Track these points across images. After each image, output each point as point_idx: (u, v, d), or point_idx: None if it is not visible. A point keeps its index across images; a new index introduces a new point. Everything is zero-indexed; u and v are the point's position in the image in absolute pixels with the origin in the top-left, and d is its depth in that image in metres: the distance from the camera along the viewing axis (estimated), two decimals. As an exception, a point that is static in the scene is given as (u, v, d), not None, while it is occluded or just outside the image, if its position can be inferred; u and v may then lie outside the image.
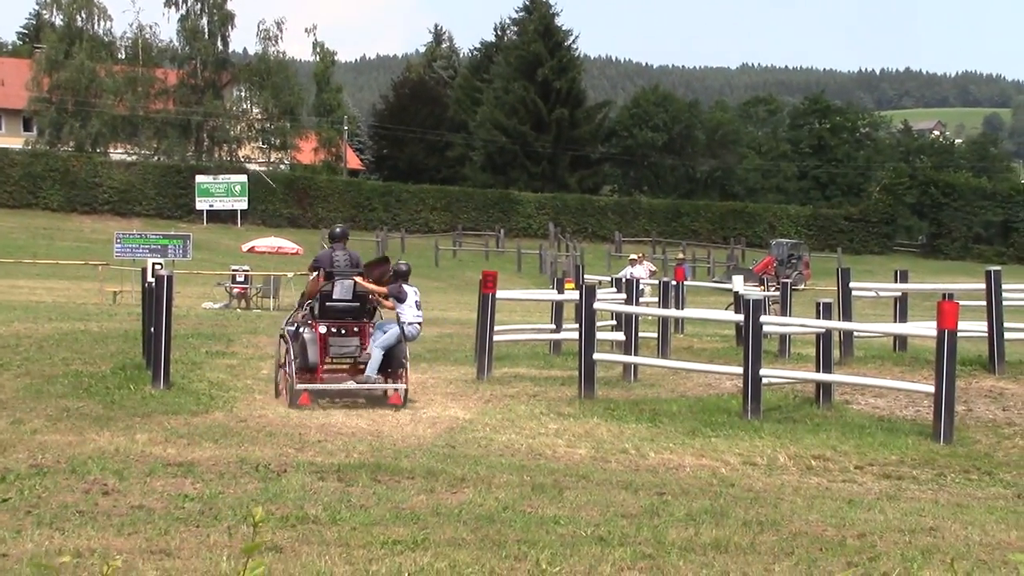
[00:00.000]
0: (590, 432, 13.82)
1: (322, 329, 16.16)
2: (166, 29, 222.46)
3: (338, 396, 16.34)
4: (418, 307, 16.78)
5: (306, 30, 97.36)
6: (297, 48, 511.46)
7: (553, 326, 23.50)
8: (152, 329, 16.93)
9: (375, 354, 16.12)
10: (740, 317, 17.07)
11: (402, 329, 16.31)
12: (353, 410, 15.30)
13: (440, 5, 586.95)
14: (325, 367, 16.29)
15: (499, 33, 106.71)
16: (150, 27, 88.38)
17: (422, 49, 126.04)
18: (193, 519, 8.77)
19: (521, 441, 13.16)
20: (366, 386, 16.15)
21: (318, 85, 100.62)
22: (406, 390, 16.01)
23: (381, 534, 8.41)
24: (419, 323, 16.78)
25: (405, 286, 16.71)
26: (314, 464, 11.14)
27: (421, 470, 10.95)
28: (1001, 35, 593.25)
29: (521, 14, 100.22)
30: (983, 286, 19.43)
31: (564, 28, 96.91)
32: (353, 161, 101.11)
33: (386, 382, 16.18)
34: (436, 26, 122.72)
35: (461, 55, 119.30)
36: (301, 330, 16.09)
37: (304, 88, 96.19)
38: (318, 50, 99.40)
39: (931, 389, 14.18)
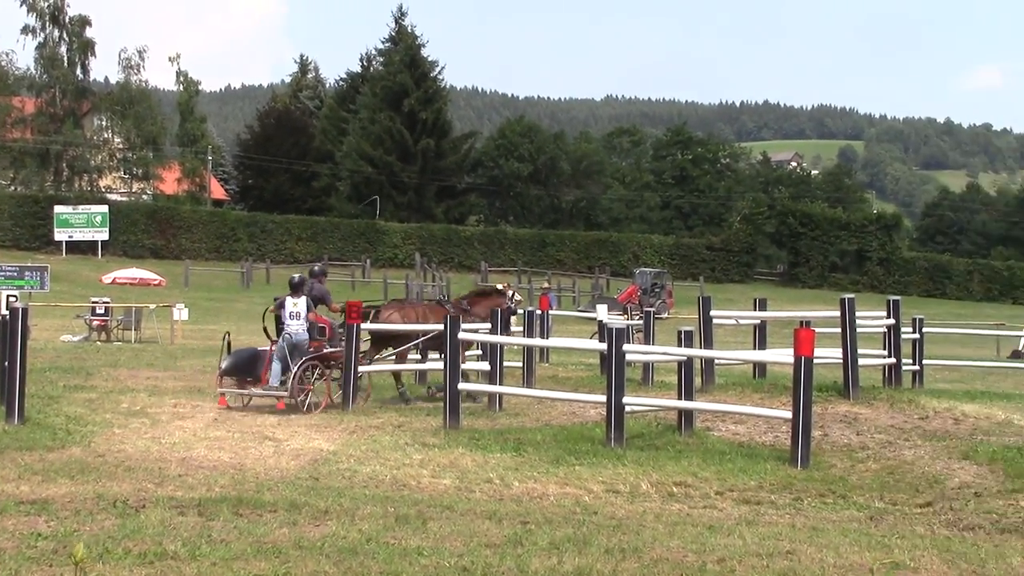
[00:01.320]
0: (455, 462, 13.81)
1: None
2: (23, 56, 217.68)
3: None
4: (292, 317, 19.19)
5: (170, 59, 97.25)
6: (160, 77, 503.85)
7: (418, 356, 23.43)
8: (6, 363, 16.51)
9: (272, 364, 18.88)
10: (604, 346, 17.22)
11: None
12: (216, 443, 15.09)
13: (306, 36, 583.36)
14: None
15: (365, 64, 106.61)
16: (6, 54, 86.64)
17: (288, 79, 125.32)
18: (46, 558, 8.54)
19: (385, 472, 13.09)
20: (268, 393, 18.75)
21: (182, 115, 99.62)
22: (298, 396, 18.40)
23: (242, 569, 8.31)
24: (290, 332, 19.05)
25: (288, 298, 19.39)
26: (174, 499, 10.95)
27: (284, 503, 10.84)
28: (854, 70, 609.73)
29: (387, 45, 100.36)
30: (838, 314, 19.92)
31: (430, 59, 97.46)
32: (218, 191, 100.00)
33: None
34: (302, 56, 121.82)
35: (327, 85, 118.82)
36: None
37: (167, 117, 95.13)
38: (182, 79, 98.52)
39: (789, 415, 14.46)
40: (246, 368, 19.26)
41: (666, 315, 51.87)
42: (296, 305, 19.21)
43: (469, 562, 8.74)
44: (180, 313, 35.55)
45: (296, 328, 19.04)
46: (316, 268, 22.24)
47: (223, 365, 19.20)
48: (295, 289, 19.48)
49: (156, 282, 40.75)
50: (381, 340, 20.95)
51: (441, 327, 17.87)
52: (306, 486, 12.04)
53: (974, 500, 12.28)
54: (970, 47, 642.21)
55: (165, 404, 18.66)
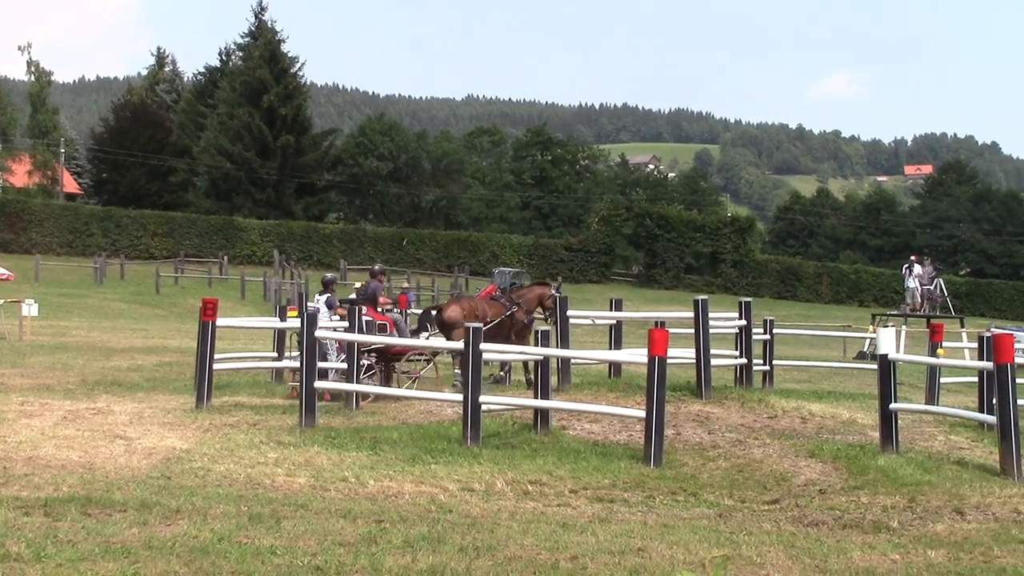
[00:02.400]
0: (310, 461, 13.73)
1: None
2: None
3: None
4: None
5: (20, 48, 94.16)
6: (10, 67, 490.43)
7: (275, 354, 23.27)
8: None
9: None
10: (460, 345, 17.26)
11: None
12: (64, 441, 14.77)
13: (163, 28, 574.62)
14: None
15: (224, 58, 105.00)
16: None
17: (144, 72, 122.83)
18: None
19: (239, 471, 12.94)
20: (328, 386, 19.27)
21: (33, 106, 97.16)
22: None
23: (89, 570, 8.17)
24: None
25: (317, 295, 22.10)
26: (19, 499, 10.69)
27: (134, 502, 10.67)
28: (711, 75, 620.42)
29: (247, 40, 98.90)
30: (692, 314, 20.27)
31: (290, 55, 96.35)
32: (71, 185, 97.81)
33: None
34: (159, 49, 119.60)
35: (185, 79, 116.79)
36: None
37: (18, 108, 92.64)
38: (33, 70, 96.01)
39: (642, 414, 14.66)
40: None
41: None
42: (318, 302, 21.64)
43: (323, 561, 8.71)
44: (29, 309, 34.67)
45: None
46: (376, 268, 24.17)
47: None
48: (324, 287, 22.41)
49: (4, 276, 39.62)
50: (446, 328, 22.34)
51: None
52: (158, 485, 11.85)
53: (818, 497, 12.61)
54: (821, 56, 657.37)
55: (12, 402, 18.19)
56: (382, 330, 21.28)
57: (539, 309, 23.68)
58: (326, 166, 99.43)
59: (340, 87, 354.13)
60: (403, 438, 15.61)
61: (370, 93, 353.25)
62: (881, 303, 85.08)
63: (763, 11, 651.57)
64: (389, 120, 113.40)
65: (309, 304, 21.86)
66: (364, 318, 20.63)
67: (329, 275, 23.25)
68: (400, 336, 21.53)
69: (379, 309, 22.31)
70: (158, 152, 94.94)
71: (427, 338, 21.80)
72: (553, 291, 23.96)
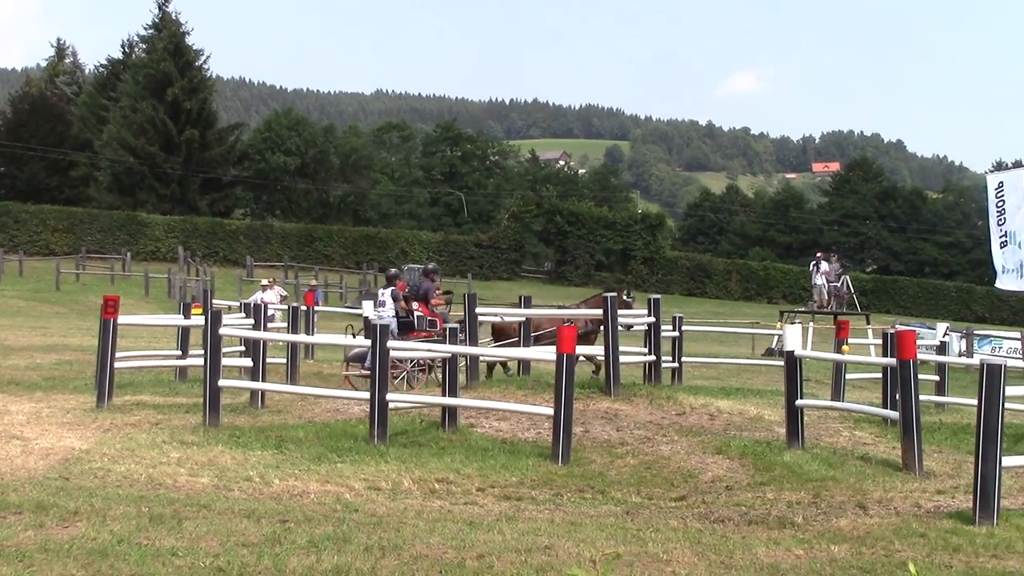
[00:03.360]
0: (213, 460, 13.50)
1: None
2: None
3: None
4: (379, 305, 22.88)
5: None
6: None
7: (179, 352, 22.91)
8: None
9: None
10: (368, 342, 17.12)
11: None
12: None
13: (63, 19, 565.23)
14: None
15: (127, 50, 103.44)
16: None
17: (44, 63, 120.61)
18: None
19: (140, 471, 12.69)
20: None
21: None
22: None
23: (-19, 574, 7.93)
24: (375, 319, 20.82)
25: (380, 289, 23.94)
26: (-90, 502, 10.39)
27: (30, 504, 10.40)
28: (621, 72, 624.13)
29: (150, 31, 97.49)
30: (601, 312, 20.28)
31: (195, 47, 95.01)
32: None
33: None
34: (59, 40, 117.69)
35: (86, 71, 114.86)
36: None
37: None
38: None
39: (551, 412, 14.63)
40: (364, 356, 20.79)
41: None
42: (383, 295, 22.86)
43: (225, 562, 8.55)
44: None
45: (380, 314, 22.14)
46: (430, 266, 24.99)
47: (348, 353, 22.04)
48: (388, 281, 23.59)
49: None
50: (499, 335, 23.97)
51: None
52: (55, 486, 11.58)
53: (725, 493, 12.66)
54: (731, 53, 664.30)
55: (-98, 402, 17.73)
56: (432, 326, 22.80)
57: None
58: (232, 161, 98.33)
59: (247, 81, 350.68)
60: (309, 437, 15.42)
61: (277, 87, 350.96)
62: (789, 300, 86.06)
63: (673, 7, 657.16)
64: (297, 115, 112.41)
65: (372, 296, 23.63)
66: (416, 313, 22.73)
67: (393, 270, 24.91)
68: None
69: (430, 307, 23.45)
70: (58, 146, 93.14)
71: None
72: (625, 298, 24.36)
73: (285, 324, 26.77)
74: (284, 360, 22.61)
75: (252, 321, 21.25)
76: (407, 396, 17.15)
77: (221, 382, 16.87)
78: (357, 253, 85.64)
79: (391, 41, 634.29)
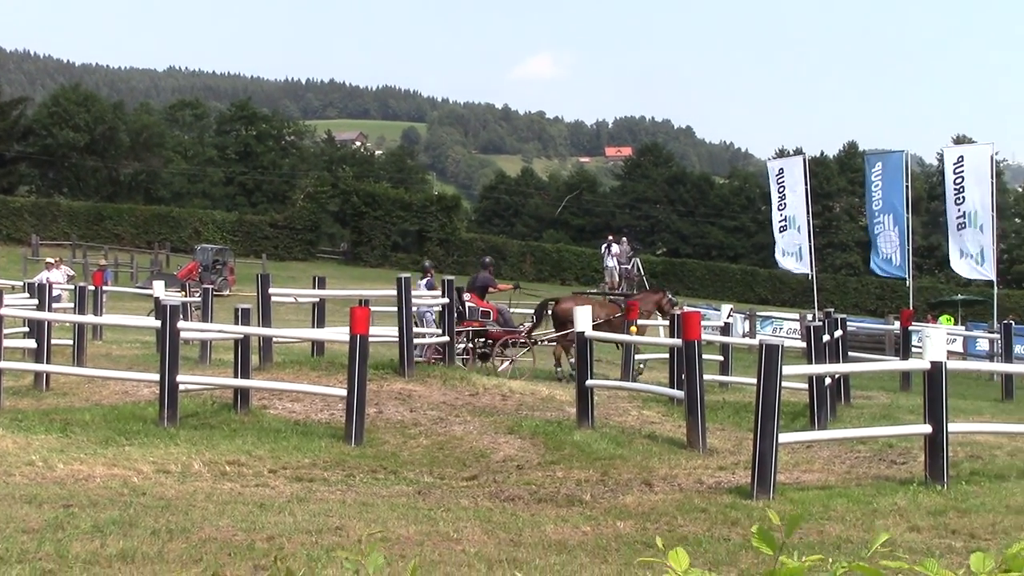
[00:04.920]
0: (-6, 445, 13.11)
1: None
2: None
3: None
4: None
5: None
6: None
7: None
8: None
9: None
10: (158, 323, 16.84)
11: None
12: None
13: None
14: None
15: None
16: None
17: None
18: None
19: (-85, 457, 12.26)
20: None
21: None
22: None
23: None
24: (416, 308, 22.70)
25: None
26: None
27: None
28: (418, 53, 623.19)
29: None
30: (395, 293, 20.34)
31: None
32: None
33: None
34: None
35: None
36: None
37: None
38: None
39: (344, 393, 14.65)
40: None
41: (228, 292, 51.27)
42: (420, 286, 24.58)
43: (3, 549, 8.35)
44: None
45: (420, 303, 23.23)
46: (486, 260, 26.09)
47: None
48: (424, 272, 27.66)
49: None
50: (560, 326, 23.79)
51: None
52: None
53: (516, 472, 12.89)
54: (526, 36, 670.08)
55: None
56: (485, 316, 23.56)
57: (657, 312, 25.48)
58: (16, 137, 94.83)
59: (32, 54, 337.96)
60: (96, 420, 15.11)
61: (64, 61, 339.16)
62: (582, 281, 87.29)
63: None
64: (85, 90, 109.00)
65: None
66: (468, 304, 23.32)
67: (428, 262, 28.75)
68: (506, 324, 23.87)
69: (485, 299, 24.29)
70: None
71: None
72: (670, 296, 26.20)
73: (72, 304, 26.05)
74: (71, 341, 22.03)
75: (36, 301, 20.66)
76: (197, 378, 16.92)
77: (3, 364, 16.37)
78: (149, 232, 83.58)
79: (184, 17, 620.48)
